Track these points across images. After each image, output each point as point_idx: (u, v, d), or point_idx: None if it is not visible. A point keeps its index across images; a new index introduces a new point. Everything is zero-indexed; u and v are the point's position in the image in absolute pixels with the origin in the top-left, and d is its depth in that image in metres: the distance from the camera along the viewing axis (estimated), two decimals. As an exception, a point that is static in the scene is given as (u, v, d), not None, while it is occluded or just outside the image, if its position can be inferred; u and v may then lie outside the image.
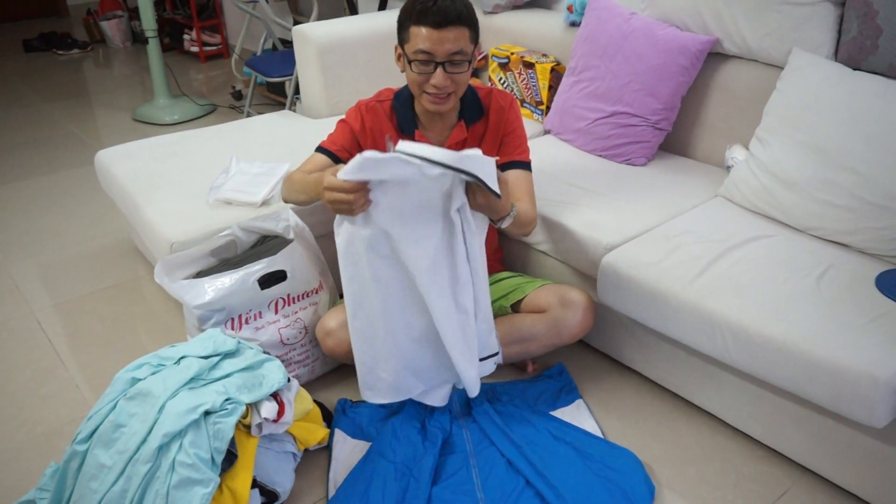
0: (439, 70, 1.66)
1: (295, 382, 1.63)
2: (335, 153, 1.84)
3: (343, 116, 1.88)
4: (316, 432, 1.69)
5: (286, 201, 1.88)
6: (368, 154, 1.40)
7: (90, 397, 1.94)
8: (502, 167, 1.87)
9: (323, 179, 1.49)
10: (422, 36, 1.63)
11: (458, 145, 1.85)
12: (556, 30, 2.58)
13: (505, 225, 1.66)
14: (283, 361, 1.77)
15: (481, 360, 1.68)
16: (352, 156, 1.81)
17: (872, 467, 1.51)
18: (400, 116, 1.84)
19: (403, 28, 1.68)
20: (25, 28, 6.13)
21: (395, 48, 1.75)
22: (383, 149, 1.80)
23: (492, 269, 2.04)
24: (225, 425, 1.42)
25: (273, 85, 4.01)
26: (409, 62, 1.68)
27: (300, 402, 1.63)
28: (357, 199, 1.45)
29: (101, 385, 1.98)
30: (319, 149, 1.86)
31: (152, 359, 1.56)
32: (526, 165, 1.87)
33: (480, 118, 1.86)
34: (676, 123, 2.26)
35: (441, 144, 1.85)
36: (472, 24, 1.67)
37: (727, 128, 2.19)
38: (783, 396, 1.61)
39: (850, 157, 1.73)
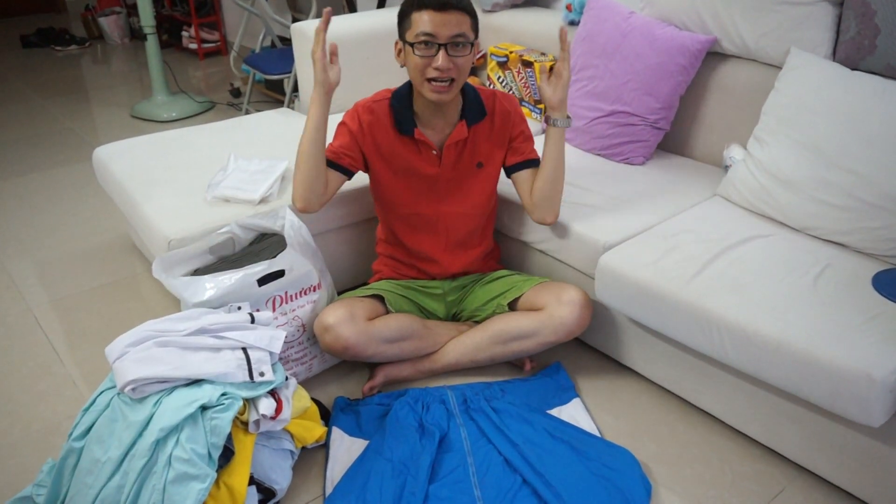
0: (441, 52, 1.68)
1: (293, 380, 1.63)
2: (333, 160, 1.84)
3: (341, 119, 1.88)
4: (313, 430, 1.69)
5: (300, 199, 1.81)
6: None
7: (87, 394, 1.94)
8: (519, 167, 1.93)
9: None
10: (424, 20, 1.67)
11: (459, 144, 1.86)
12: (555, 28, 2.58)
13: (559, 125, 1.82)
14: (280, 359, 1.77)
15: None
16: (351, 157, 1.84)
17: (868, 466, 1.51)
18: (398, 115, 1.84)
19: (405, 16, 1.71)
20: (23, 24, 6.12)
21: (395, 43, 1.76)
22: (385, 147, 1.82)
23: (489, 268, 2.05)
24: (222, 420, 1.42)
25: (271, 82, 4.01)
26: (413, 46, 1.70)
27: (298, 399, 1.63)
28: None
29: (98, 382, 1.97)
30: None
31: (150, 355, 1.56)
32: (538, 162, 1.92)
33: (483, 119, 1.86)
34: (675, 123, 2.27)
35: (441, 143, 1.85)
36: (472, 13, 1.72)
37: (725, 127, 2.19)
38: (780, 395, 1.61)
39: (847, 157, 1.73)
